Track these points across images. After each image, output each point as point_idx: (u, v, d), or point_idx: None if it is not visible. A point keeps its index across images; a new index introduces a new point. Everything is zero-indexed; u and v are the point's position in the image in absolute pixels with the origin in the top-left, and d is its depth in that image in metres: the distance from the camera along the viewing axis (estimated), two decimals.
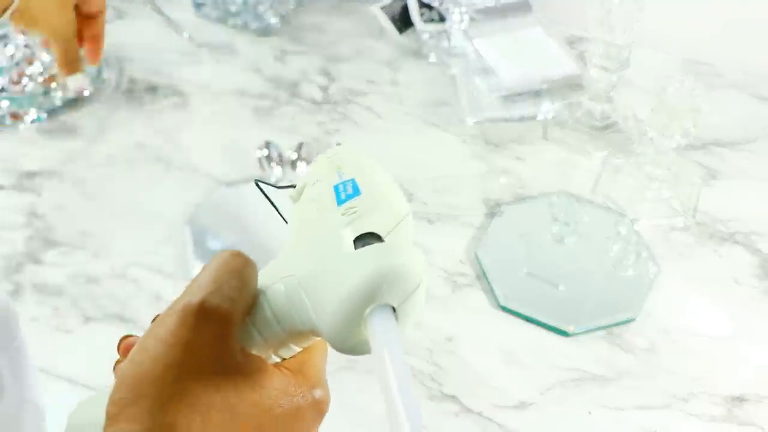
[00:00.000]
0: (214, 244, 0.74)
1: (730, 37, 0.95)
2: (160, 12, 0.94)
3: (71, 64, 0.76)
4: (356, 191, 0.34)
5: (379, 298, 0.31)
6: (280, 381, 0.33)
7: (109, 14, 1.03)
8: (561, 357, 0.68)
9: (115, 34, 0.94)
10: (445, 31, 0.96)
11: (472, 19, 0.94)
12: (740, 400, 0.65)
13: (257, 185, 0.40)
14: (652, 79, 0.75)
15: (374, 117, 0.90)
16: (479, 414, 0.64)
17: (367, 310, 0.31)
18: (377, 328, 0.31)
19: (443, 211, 0.79)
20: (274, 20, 1.00)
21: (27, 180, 0.81)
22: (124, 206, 0.79)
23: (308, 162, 0.79)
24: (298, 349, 0.36)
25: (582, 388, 0.66)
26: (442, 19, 0.97)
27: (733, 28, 0.95)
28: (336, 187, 0.34)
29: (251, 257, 0.36)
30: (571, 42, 0.99)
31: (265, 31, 1.00)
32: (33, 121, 0.87)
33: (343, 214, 0.33)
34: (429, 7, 0.98)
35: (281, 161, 0.78)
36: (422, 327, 0.69)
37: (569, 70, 0.91)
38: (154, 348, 0.31)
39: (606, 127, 0.87)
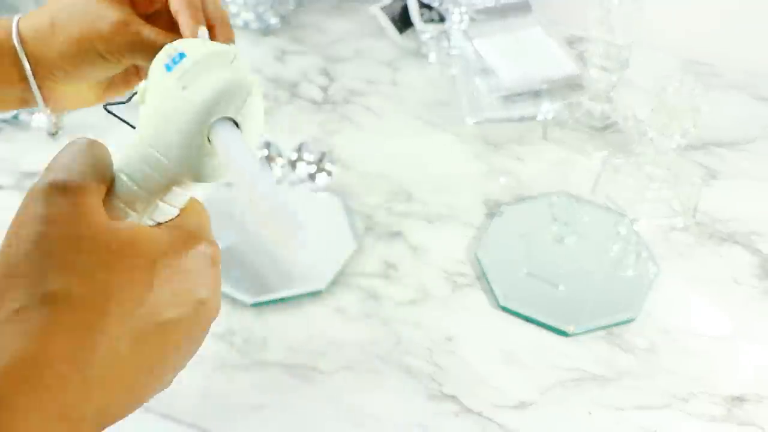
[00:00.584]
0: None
1: (730, 37, 0.95)
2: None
3: (163, 41, 0.61)
4: (182, 56, 0.36)
5: (214, 113, 0.34)
6: (158, 235, 0.34)
7: None
8: (561, 357, 0.68)
9: None
10: (445, 32, 0.96)
11: (471, 20, 0.94)
12: (740, 400, 0.65)
13: (106, 109, 0.42)
14: (651, 79, 0.75)
15: (374, 117, 0.90)
16: (479, 414, 0.64)
17: (209, 125, 0.33)
18: (220, 139, 0.33)
19: (443, 211, 0.79)
20: (274, 20, 1.00)
21: (27, 180, 0.81)
22: None
23: (308, 162, 0.79)
24: (174, 211, 0.36)
25: (582, 388, 0.66)
26: (441, 19, 0.97)
27: (733, 28, 0.95)
28: (166, 65, 0.36)
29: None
30: (571, 42, 0.99)
31: (266, 31, 1.00)
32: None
33: (172, 75, 0.35)
34: (429, 7, 0.98)
35: (285, 162, 0.78)
36: (422, 327, 0.69)
37: (569, 70, 0.91)
38: (17, 231, 0.31)
39: (606, 127, 0.87)
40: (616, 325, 0.69)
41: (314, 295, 0.71)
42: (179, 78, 0.35)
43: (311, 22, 1.02)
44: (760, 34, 0.94)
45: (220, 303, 0.36)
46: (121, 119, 0.42)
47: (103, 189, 0.34)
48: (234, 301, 0.70)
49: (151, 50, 0.45)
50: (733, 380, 0.66)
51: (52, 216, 0.31)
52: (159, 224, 0.36)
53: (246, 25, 1.00)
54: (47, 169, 0.34)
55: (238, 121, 0.34)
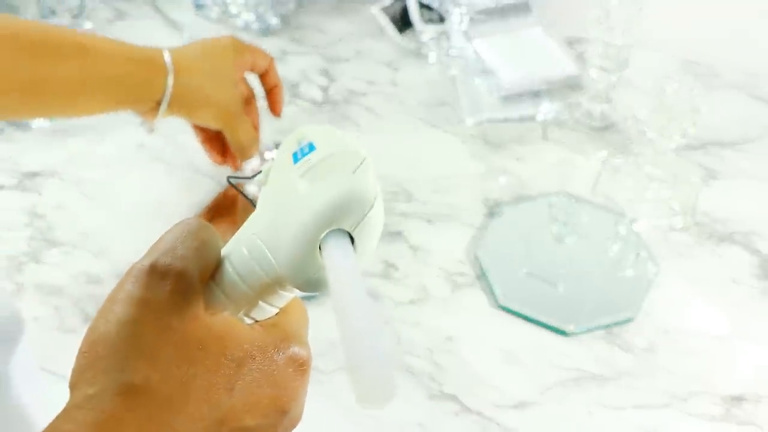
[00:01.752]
0: None
1: (729, 38, 0.95)
2: (161, 12, 0.94)
3: (249, 146, 0.70)
4: (311, 149, 0.34)
5: (331, 223, 0.31)
6: (250, 334, 0.32)
7: (109, 14, 1.03)
8: (560, 357, 0.68)
9: (116, 34, 0.94)
10: (445, 32, 0.96)
11: (471, 20, 0.95)
12: (739, 399, 0.65)
13: (229, 182, 0.41)
14: (651, 79, 0.76)
15: (374, 117, 0.90)
16: (479, 414, 0.64)
17: (322, 237, 0.31)
18: (331, 253, 0.31)
19: (443, 211, 0.80)
20: (274, 21, 1.00)
21: (28, 180, 0.82)
22: (126, 206, 0.79)
23: None
24: (273, 311, 0.35)
25: (581, 387, 0.66)
26: (441, 19, 0.97)
27: (732, 28, 0.95)
28: (294, 153, 0.34)
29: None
30: (571, 42, 0.99)
31: (266, 32, 1.00)
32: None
33: (298, 169, 0.33)
34: (429, 7, 0.98)
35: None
36: (422, 327, 0.70)
37: (569, 70, 0.92)
38: (108, 310, 0.30)
39: (605, 128, 0.87)
40: (616, 324, 0.70)
41: (309, 299, 0.71)
42: (303, 174, 0.33)
43: (311, 22, 1.03)
44: (759, 35, 0.94)
45: (302, 413, 0.35)
46: (244, 195, 0.40)
47: (205, 277, 0.33)
48: None
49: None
50: (732, 380, 0.66)
51: (147, 300, 0.30)
52: (255, 322, 0.34)
53: (246, 26, 1.00)
54: (151, 248, 0.33)
55: (354, 234, 0.32)
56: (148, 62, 0.64)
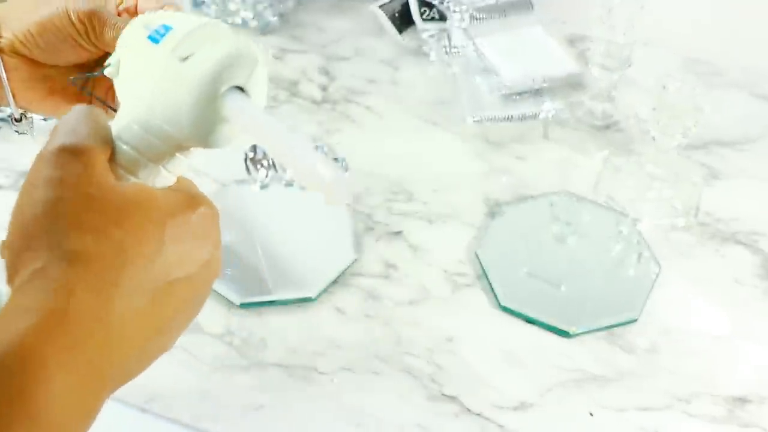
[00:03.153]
0: None
1: (731, 36, 0.95)
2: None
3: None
4: (168, 29, 0.36)
5: (224, 82, 0.34)
6: (163, 196, 0.34)
7: None
8: (561, 357, 0.67)
9: None
10: (446, 30, 0.95)
11: (472, 18, 0.94)
12: (742, 400, 0.65)
13: (73, 82, 0.43)
14: (653, 78, 0.75)
15: (374, 116, 0.90)
16: (479, 415, 0.63)
17: (220, 94, 0.34)
18: (236, 108, 0.34)
19: (443, 210, 0.79)
20: (273, 19, 1.00)
21: (24, 179, 0.81)
22: None
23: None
24: (172, 178, 0.37)
25: (583, 388, 0.65)
26: (442, 17, 0.97)
27: (734, 26, 0.94)
28: (150, 37, 0.36)
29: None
30: (572, 41, 0.98)
31: (265, 30, 1.00)
32: (46, 119, 0.86)
33: (163, 46, 0.36)
34: (429, 5, 0.97)
35: (269, 164, 0.77)
36: (422, 327, 0.69)
37: (570, 68, 0.91)
38: (30, 195, 0.33)
39: (607, 126, 0.87)
40: (618, 325, 0.69)
41: (305, 301, 0.70)
42: (174, 49, 0.35)
43: (311, 20, 1.02)
44: (761, 33, 0.94)
45: (221, 263, 0.37)
46: (88, 93, 0.42)
47: (107, 152, 0.35)
48: (230, 301, 0.69)
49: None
50: (734, 381, 0.66)
51: (64, 178, 0.32)
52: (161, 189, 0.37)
53: (245, 24, 1.00)
54: (53, 133, 0.35)
55: (245, 88, 0.35)
56: None
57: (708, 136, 0.87)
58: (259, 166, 0.77)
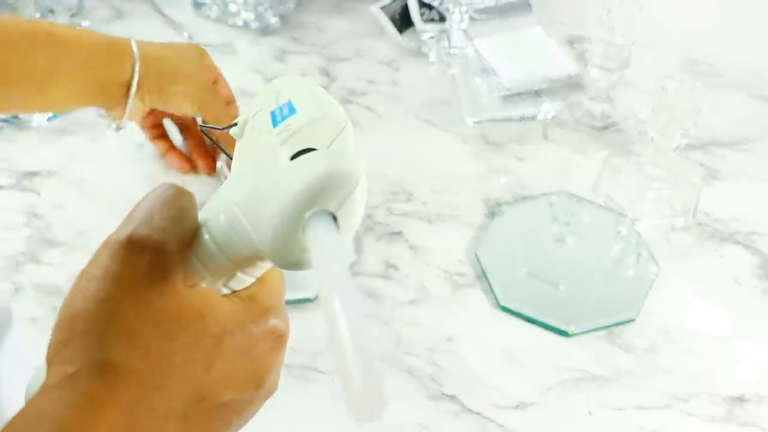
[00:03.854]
0: None
1: (730, 37, 0.95)
2: (160, 11, 0.94)
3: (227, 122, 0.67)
4: (292, 111, 0.33)
5: (314, 203, 0.30)
6: (228, 308, 0.31)
7: (108, 14, 1.03)
8: (561, 357, 0.67)
9: (114, 33, 0.93)
10: (445, 31, 0.96)
11: (472, 19, 0.94)
12: (740, 400, 0.65)
13: (201, 130, 0.41)
14: (652, 78, 0.75)
15: (374, 117, 0.90)
16: (479, 414, 0.64)
17: (305, 217, 0.30)
18: (315, 233, 0.30)
19: (443, 211, 0.79)
20: (274, 20, 1.00)
21: (27, 180, 0.81)
22: (125, 206, 0.79)
23: None
24: (250, 280, 0.34)
25: (582, 388, 0.66)
26: (442, 18, 0.97)
27: (733, 27, 0.95)
28: (272, 112, 0.33)
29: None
30: (572, 42, 0.99)
31: (265, 31, 1.00)
32: (49, 119, 0.86)
33: (278, 134, 0.32)
34: (429, 6, 0.98)
35: None
36: (422, 327, 0.69)
37: (569, 69, 0.91)
38: (85, 286, 0.30)
39: (606, 127, 0.87)
40: (617, 325, 0.69)
41: (304, 301, 0.71)
42: (284, 141, 0.32)
43: (311, 21, 1.02)
44: (760, 34, 0.94)
45: (277, 384, 0.34)
46: (215, 143, 0.40)
47: (183, 246, 0.32)
48: None
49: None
50: (733, 380, 0.66)
51: (125, 276, 0.29)
52: (233, 292, 0.34)
53: (246, 25, 1.00)
54: (126, 218, 0.32)
55: (338, 215, 0.31)
56: (114, 47, 0.64)
57: (707, 136, 0.87)
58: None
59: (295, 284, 0.71)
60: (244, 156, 0.34)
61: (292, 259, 0.32)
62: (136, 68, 0.64)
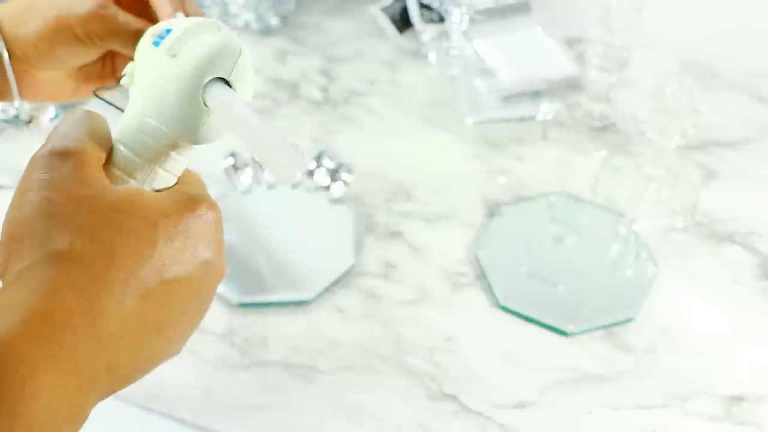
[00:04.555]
0: None
1: (729, 38, 0.95)
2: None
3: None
4: (168, 31, 0.37)
5: (206, 74, 0.35)
6: (157, 196, 0.34)
7: None
8: (560, 356, 0.68)
9: None
10: (445, 32, 0.96)
11: (471, 20, 0.94)
12: (739, 399, 0.65)
13: (96, 95, 0.46)
14: (651, 79, 0.75)
15: (374, 117, 0.90)
16: (479, 413, 0.64)
17: (203, 88, 0.35)
18: (216, 98, 0.35)
19: (443, 211, 0.79)
20: (274, 20, 1.00)
21: None
22: None
23: (327, 170, 0.78)
24: (171, 179, 0.37)
25: (581, 387, 0.66)
26: (441, 19, 0.97)
27: (732, 28, 0.95)
28: (154, 42, 0.37)
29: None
30: (571, 42, 0.99)
31: (266, 32, 1.00)
32: (51, 119, 0.87)
33: (161, 48, 0.37)
34: (429, 7, 0.98)
35: (252, 165, 0.78)
36: (422, 327, 0.70)
37: (568, 70, 0.91)
38: (19, 200, 0.32)
39: (605, 128, 0.87)
40: (616, 324, 0.69)
41: (302, 303, 0.71)
42: (168, 49, 0.36)
43: (311, 22, 1.03)
44: (759, 35, 0.94)
45: (225, 264, 0.37)
46: (111, 104, 0.43)
47: (102, 155, 0.35)
48: (230, 301, 0.70)
49: (127, 35, 0.48)
50: (732, 380, 0.66)
51: (55, 180, 0.32)
52: (159, 191, 0.37)
53: (246, 26, 1.00)
54: (48, 138, 0.35)
55: (230, 81, 0.36)
56: None
57: (706, 136, 0.87)
58: (240, 174, 0.78)
59: (294, 285, 0.71)
60: (138, 87, 0.38)
61: (201, 131, 0.36)
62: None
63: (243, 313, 0.70)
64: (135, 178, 0.36)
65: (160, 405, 0.64)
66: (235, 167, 0.78)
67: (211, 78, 0.36)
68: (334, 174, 0.78)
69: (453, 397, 0.65)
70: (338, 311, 0.71)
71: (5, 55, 0.50)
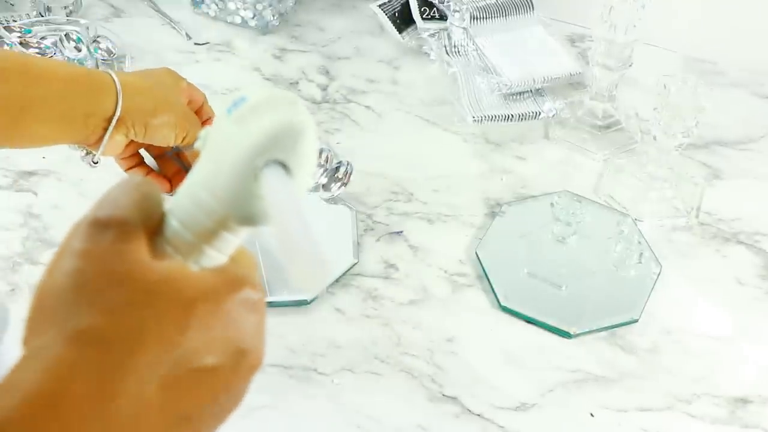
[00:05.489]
0: None
1: (733, 35, 0.94)
2: (158, 10, 0.93)
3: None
4: (244, 99, 0.35)
5: (264, 152, 0.33)
6: (199, 276, 0.32)
7: (106, 12, 1.02)
8: (562, 358, 0.67)
9: (113, 31, 0.93)
10: (446, 29, 0.95)
11: (473, 17, 0.94)
12: (743, 401, 0.64)
13: (169, 155, 0.42)
14: (654, 77, 0.75)
15: (374, 116, 0.90)
16: (480, 415, 0.63)
17: (257, 168, 0.33)
18: (268, 183, 0.32)
19: (443, 211, 0.79)
20: (273, 18, 0.99)
21: (24, 180, 0.81)
22: None
23: (327, 170, 0.77)
24: (221, 258, 0.35)
25: (583, 389, 0.65)
26: (442, 17, 0.96)
27: (736, 26, 0.94)
28: (228, 109, 0.35)
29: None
30: (573, 40, 0.98)
31: (264, 30, 0.99)
32: None
33: (231, 117, 0.34)
34: (430, 4, 0.97)
35: None
36: (422, 328, 0.69)
37: (571, 68, 0.91)
38: (54, 266, 0.31)
39: (608, 126, 0.87)
40: (619, 326, 0.69)
41: (300, 304, 0.70)
42: (236, 119, 0.34)
43: (310, 20, 1.02)
44: (763, 32, 0.93)
45: (263, 354, 0.34)
46: (186, 167, 0.42)
47: (148, 227, 0.33)
48: None
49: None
50: (736, 381, 0.66)
51: (91, 251, 0.30)
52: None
53: (244, 23, 1.00)
54: (95, 204, 0.33)
55: (288, 164, 0.33)
56: (93, 79, 0.61)
57: (709, 135, 0.86)
58: None
59: (292, 286, 0.71)
60: (204, 153, 0.36)
61: (251, 212, 0.34)
62: (119, 101, 0.60)
63: None
64: (185, 255, 0.34)
65: None
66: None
67: (268, 159, 0.33)
68: (333, 174, 0.78)
69: (453, 399, 0.64)
70: (338, 312, 0.70)
71: (116, 116, 0.60)
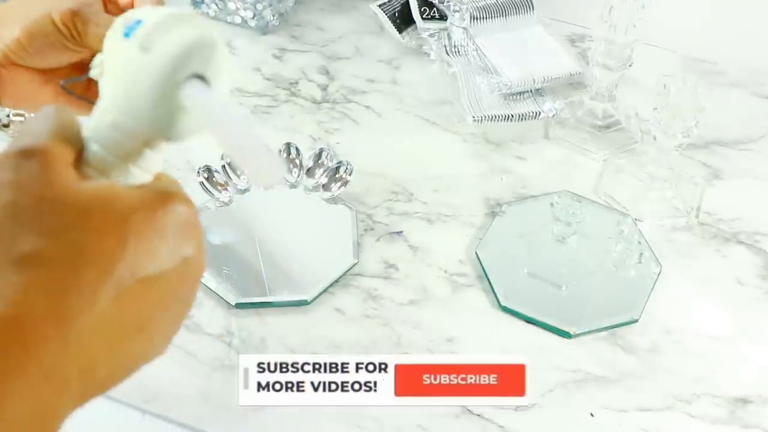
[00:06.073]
0: (214, 242, 0.74)
1: (733, 35, 0.94)
2: None
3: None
4: (139, 22, 0.35)
5: (181, 70, 0.34)
6: (129, 191, 0.33)
7: None
8: (562, 358, 0.67)
9: None
10: (446, 29, 0.95)
11: (473, 17, 0.94)
12: (744, 401, 0.64)
13: (63, 88, 0.43)
14: (654, 77, 0.75)
15: (374, 116, 0.90)
16: (480, 416, 0.63)
17: (177, 83, 0.34)
18: (192, 96, 0.33)
19: (443, 211, 0.79)
20: (273, 18, 0.99)
21: None
22: None
23: (326, 170, 0.78)
24: (145, 176, 0.36)
25: (583, 389, 0.65)
26: (442, 17, 0.96)
27: (736, 26, 0.94)
28: (125, 33, 0.36)
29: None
30: (573, 40, 0.98)
31: (264, 30, 0.99)
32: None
33: (132, 41, 0.35)
34: (430, 4, 0.97)
35: (227, 180, 0.77)
36: (422, 327, 0.69)
37: (571, 68, 0.91)
38: None
39: (608, 126, 0.87)
40: (619, 326, 0.69)
41: (300, 304, 0.70)
42: (140, 42, 0.34)
43: (310, 20, 1.02)
44: (763, 32, 0.93)
45: (205, 261, 0.36)
46: (81, 98, 0.42)
47: (71, 151, 0.34)
48: (228, 302, 0.69)
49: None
50: (736, 381, 0.66)
51: (20, 181, 0.31)
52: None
53: (244, 23, 1.00)
54: (15, 137, 0.33)
55: (206, 76, 0.35)
56: None
57: (709, 135, 0.86)
58: (218, 187, 0.77)
59: (293, 286, 0.71)
60: (103, 82, 0.37)
61: (176, 128, 0.35)
62: None
63: (241, 314, 0.69)
64: (109, 176, 0.35)
65: (158, 407, 0.63)
66: (232, 165, 0.77)
67: (186, 75, 0.34)
68: (333, 173, 0.78)
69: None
70: (338, 312, 0.70)
71: None
